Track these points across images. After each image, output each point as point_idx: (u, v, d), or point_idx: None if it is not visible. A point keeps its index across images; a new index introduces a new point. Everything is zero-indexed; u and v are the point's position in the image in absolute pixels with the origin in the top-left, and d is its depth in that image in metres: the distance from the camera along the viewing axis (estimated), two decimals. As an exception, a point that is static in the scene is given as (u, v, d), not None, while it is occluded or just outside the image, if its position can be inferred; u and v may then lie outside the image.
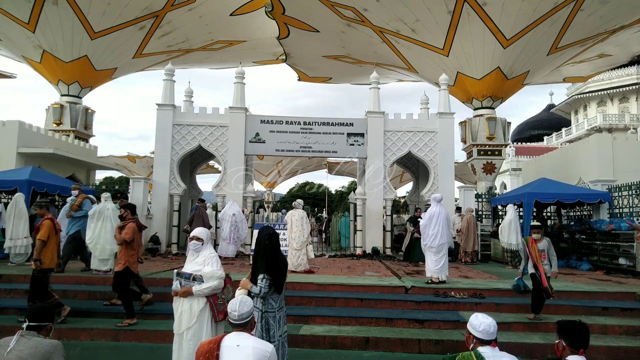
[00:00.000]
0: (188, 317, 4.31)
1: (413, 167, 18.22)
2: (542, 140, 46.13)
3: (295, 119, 15.41)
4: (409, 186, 34.95)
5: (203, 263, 4.41)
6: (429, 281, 8.80)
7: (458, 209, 14.64)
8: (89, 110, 19.44)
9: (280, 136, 15.22)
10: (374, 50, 19.29)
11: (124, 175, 30.15)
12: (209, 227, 12.81)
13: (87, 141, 19.21)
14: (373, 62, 19.57)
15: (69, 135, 17.86)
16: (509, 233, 12.38)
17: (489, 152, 18.01)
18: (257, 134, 15.18)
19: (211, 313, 4.33)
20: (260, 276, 3.95)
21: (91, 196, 10.93)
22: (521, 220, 13.29)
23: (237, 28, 19.93)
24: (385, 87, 24.28)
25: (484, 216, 15.97)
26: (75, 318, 6.97)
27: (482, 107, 18.31)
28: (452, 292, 8.11)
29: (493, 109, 18.44)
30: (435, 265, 8.90)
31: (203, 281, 4.32)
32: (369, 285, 8.56)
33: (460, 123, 19.11)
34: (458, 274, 10.38)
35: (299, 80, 25.36)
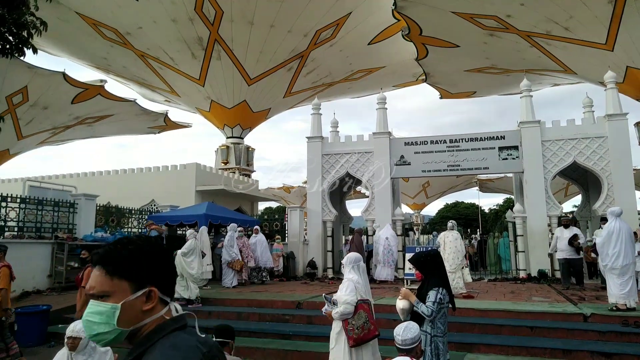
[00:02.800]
0: (331, 338, 4.42)
1: (580, 179, 16.17)
2: None
3: (440, 137, 15.05)
4: (575, 200, 31.25)
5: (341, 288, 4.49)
6: (614, 308, 7.64)
7: (603, 219, 10.83)
8: (250, 149, 21.74)
9: (425, 157, 14.99)
10: (522, 57, 18.01)
11: (281, 205, 32.66)
12: (362, 253, 13.07)
13: (249, 176, 21.42)
14: (522, 69, 18.24)
15: (234, 173, 20.14)
16: None
17: (680, 154, 15.19)
18: (402, 157, 15.18)
19: (345, 337, 4.33)
20: (433, 293, 3.77)
21: (160, 227, 12.72)
22: None
23: (376, 55, 20.50)
24: (537, 94, 22.31)
25: (680, 231, 13.37)
26: (249, 338, 7.70)
27: (665, 103, 15.64)
28: (646, 322, 6.91)
29: (680, 102, 15.63)
30: (620, 289, 7.71)
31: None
32: (539, 312, 7.77)
33: (637, 124, 16.54)
34: (651, 300, 8.83)
35: (441, 98, 24.83)
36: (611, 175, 13.11)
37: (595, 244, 8.56)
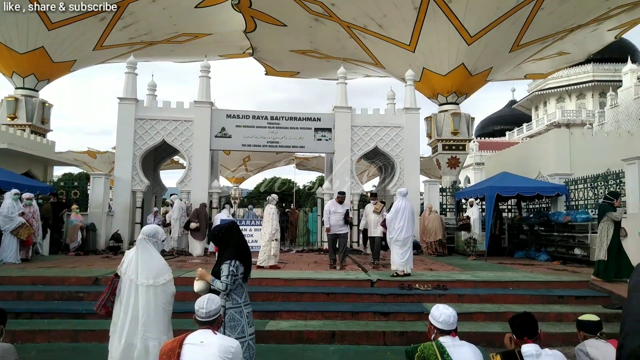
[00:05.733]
0: None
1: (379, 162, 18.39)
2: (504, 135, 47.46)
3: (262, 113, 15.28)
4: (375, 181, 35.32)
5: None
6: (394, 274, 8.91)
7: (372, 195, 11.63)
8: (46, 104, 18.68)
9: (246, 131, 15.06)
10: (342, 46, 19.33)
11: (84, 171, 29.20)
12: (207, 225, 12.90)
13: (44, 136, 18.46)
14: (340, 57, 19.61)
15: (24, 130, 17.10)
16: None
17: (454, 147, 18.38)
18: (223, 129, 14.96)
19: None
20: (225, 267, 3.71)
21: None
22: (483, 214, 13.66)
23: (203, 21, 19.55)
24: (353, 83, 24.40)
25: (447, 210, 16.30)
26: (30, 320, 6.71)
27: (447, 103, 18.66)
28: (417, 285, 8.23)
29: (457, 104, 18.81)
30: (400, 258, 9.01)
31: None
32: (336, 280, 8.59)
33: (426, 118, 19.41)
34: (423, 267, 10.56)
35: (266, 74, 25.15)
36: (403, 160, 15.20)
37: (385, 218, 9.78)
